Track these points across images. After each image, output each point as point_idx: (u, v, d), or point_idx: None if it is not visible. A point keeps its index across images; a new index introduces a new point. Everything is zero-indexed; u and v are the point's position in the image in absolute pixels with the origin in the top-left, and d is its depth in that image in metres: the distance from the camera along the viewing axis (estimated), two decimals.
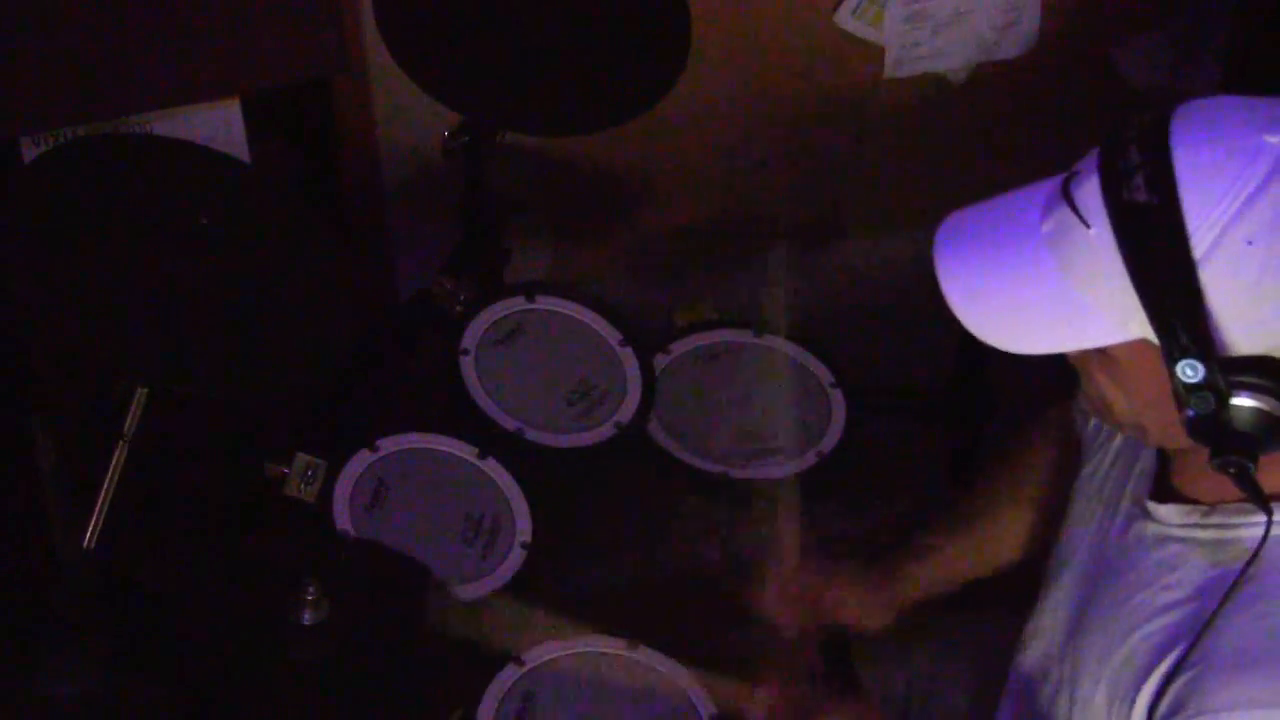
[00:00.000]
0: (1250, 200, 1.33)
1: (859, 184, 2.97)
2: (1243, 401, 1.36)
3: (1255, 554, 1.42)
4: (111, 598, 2.45)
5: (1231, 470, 1.40)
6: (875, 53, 2.82)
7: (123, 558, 2.10)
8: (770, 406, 2.22)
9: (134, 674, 2.38)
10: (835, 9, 2.77)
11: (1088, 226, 1.39)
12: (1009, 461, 1.95)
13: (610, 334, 2.23)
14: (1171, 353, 1.36)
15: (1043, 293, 1.43)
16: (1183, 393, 1.37)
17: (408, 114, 2.59)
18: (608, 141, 2.71)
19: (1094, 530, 1.66)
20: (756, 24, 2.77)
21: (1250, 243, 1.33)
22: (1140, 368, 1.41)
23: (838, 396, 2.24)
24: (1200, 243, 1.34)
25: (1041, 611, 1.73)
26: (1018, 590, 1.83)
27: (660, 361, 2.25)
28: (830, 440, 2.19)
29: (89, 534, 1.90)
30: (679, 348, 2.29)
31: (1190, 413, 1.38)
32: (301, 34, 2.38)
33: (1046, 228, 1.43)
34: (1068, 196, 1.41)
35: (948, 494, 2.46)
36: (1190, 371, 1.35)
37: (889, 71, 2.85)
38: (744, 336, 2.31)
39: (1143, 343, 1.38)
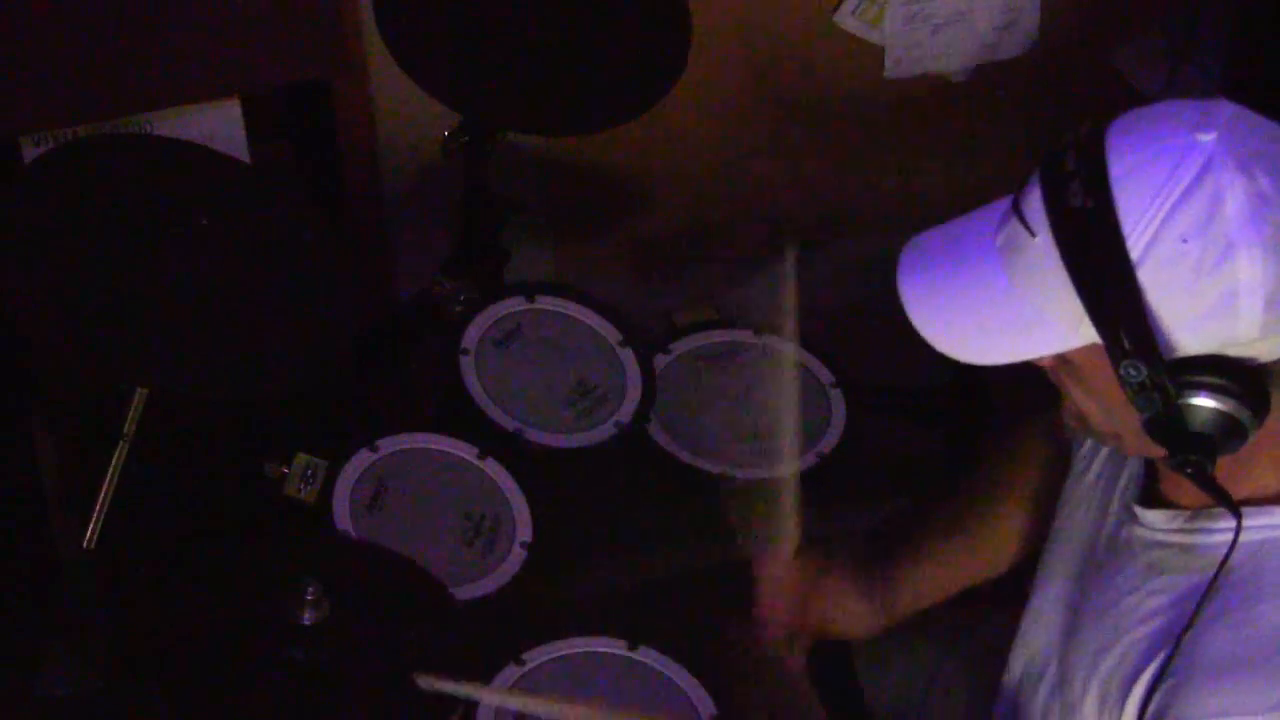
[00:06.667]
0: (1183, 198, 1.35)
1: (859, 184, 2.97)
2: (1194, 401, 1.37)
3: (1225, 559, 1.43)
4: (111, 598, 2.45)
5: (1188, 471, 1.40)
6: (875, 53, 2.82)
7: (123, 558, 2.10)
8: (770, 406, 2.22)
9: (134, 674, 2.39)
10: (835, 9, 2.77)
11: (1033, 235, 1.41)
12: (1003, 463, 1.95)
13: (610, 334, 2.23)
14: (1115, 354, 1.37)
15: (996, 303, 1.44)
16: (1131, 395, 1.38)
17: (408, 114, 2.59)
18: (608, 141, 2.71)
19: (1085, 535, 1.67)
20: (756, 24, 2.76)
21: (1185, 240, 1.34)
22: (1099, 373, 1.41)
23: (838, 396, 2.24)
24: (1136, 243, 1.35)
25: (1032, 615, 1.73)
26: (1016, 591, 1.83)
27: (660, 361, 2.25)
28: (830, 440, 2.19)
29: (89, 534, 1.90)
30: (679, 348, 2.29)
31: (1145, 415, 1.39)
32: (301, 34, 2.38)
33: (999, 241, 1.45)
34: (1016, 208, 1.43)
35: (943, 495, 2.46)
36: (1134, 372, 1.36)
37: (889, 71, 2.85)
38: (744, 336, 2.31)
39: (1097, 347, 1.39)
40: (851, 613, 1.86)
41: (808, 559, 1.87)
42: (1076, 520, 1.69)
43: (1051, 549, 1.73)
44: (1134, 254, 1.35)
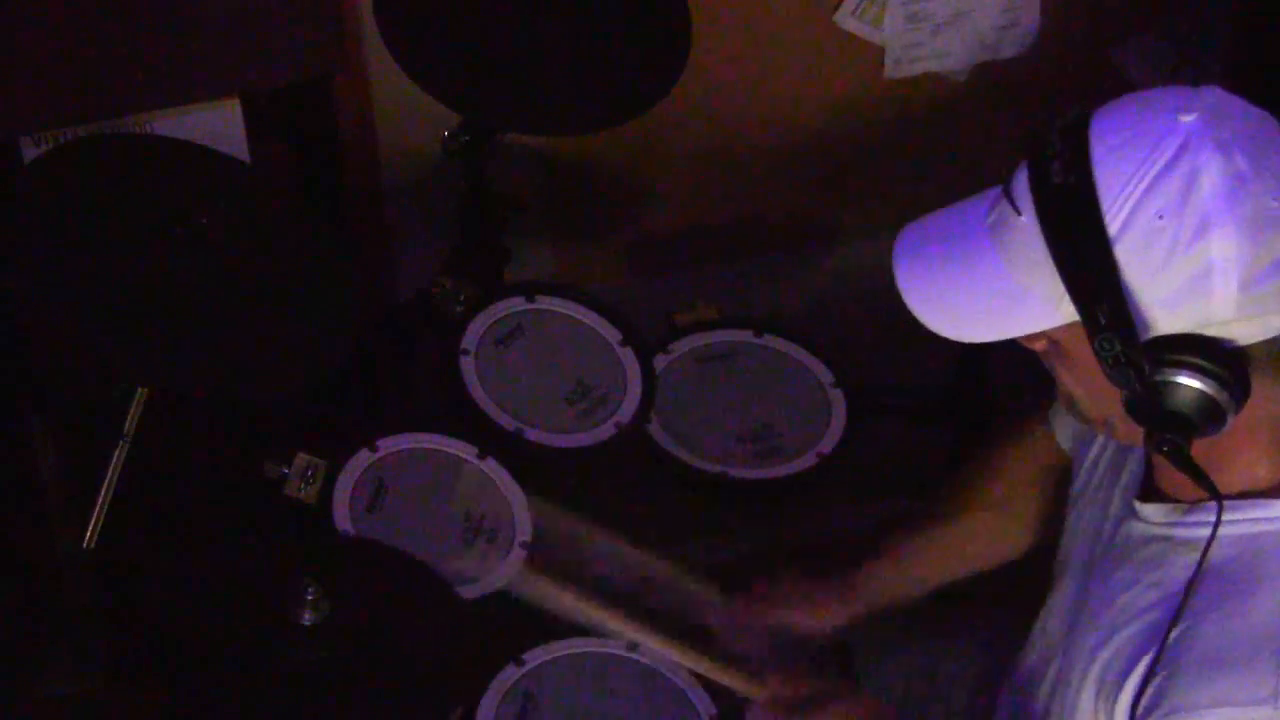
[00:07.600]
0: (1160, 175, 1.36)
1: (859, 183, 2.97)
2: (1169, 379, 1.38)
3: (1208, 546, 1.43)
4: (111, 598, 2.45)
5: (1165, 450, 1.41)
6: (875, 53, 2.82)
7: (123, 558, 2.10)
8: (770, 406, 2.22)
9: (133, 674, 2.39)
10: (835, 9, 2.77)
11: (1019, 213, 1.43)
12: (978, 466, 1.96)
13: (610, 334, 2.23)
14: (1092, 330, 1.38)
15: (984, 280, 1.46)
16: (1108, 371, 1.39)
17: (408, 114, 2.59)
18: (608, 141, 2.71)
19: (1090, 534, 1.67)
20: (756, 24, 2.76)
21: (1161, 216, 1.36)
22: (1082, 353, 1.43)
23: (838, 396, 2.24)
24: (1114, 220, 1.37)
25: (1043, 614, 1.73)
26: (1016, 589, 1.83)
27: (660, 361, 2.25)
28: (830, 440, 2.19)
29: (89, 534, 1.90)
30: (679, 348, 2.29)
31: (1124, 393, 1.40)
32: (301, 34, 2.38)
33: (990, 220, 1.47)
34: (1006, 190, 1.45)
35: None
36: (1107, 347, 1.37)
37: (889, 71, 2.85)
38: (744, 336, 2.31)
39: (1078, 326, 1.40)
40: (810, 604, 1.88)
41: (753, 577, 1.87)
42: (1082, 521, 1.70)
43: (1064, 548, 1.73)
44: (1111, 230, 1.37)
